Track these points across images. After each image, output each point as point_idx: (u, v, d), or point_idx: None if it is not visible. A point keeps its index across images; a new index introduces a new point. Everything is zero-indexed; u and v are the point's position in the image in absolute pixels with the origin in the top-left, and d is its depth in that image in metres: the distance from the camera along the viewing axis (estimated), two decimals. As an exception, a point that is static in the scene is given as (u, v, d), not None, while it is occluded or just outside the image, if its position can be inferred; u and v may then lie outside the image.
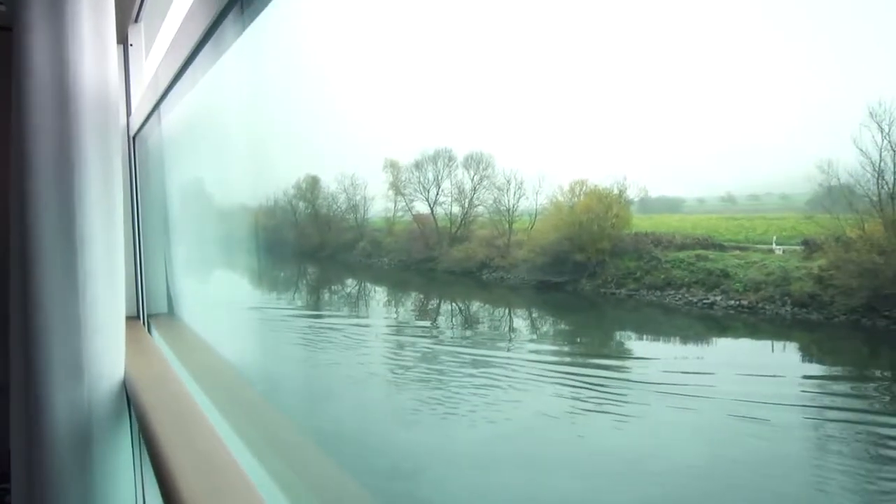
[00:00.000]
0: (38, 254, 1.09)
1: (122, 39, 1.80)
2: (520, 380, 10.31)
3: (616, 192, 14.72)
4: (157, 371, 1.16)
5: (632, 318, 12.77)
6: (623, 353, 11.62)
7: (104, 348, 1.14)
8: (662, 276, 12.96)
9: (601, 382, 9.92)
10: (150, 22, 1.91)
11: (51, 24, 1.10)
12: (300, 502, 0.74)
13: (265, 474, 0.81)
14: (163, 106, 1.43)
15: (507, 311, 14.71)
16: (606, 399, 9.37)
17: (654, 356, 10.89)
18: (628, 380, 10.06)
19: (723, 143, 15.29)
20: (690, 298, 12.38)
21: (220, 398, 1.01)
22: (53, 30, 1.10)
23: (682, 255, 13.11)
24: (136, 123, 1.73)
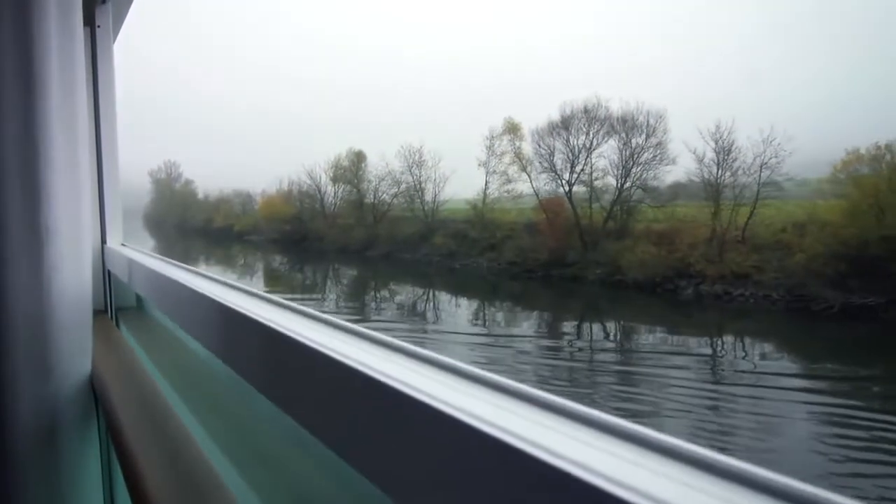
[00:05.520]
0: None
1: (90, 21, 1.73)
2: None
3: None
4: (127, 368, 1.14)
5: None
6: None
7: (70, 345, 1.11)
8: None
9: None
10: (118, 2, 1.83)
11: (14, 2, 1.05)
12: (272, 501, 0.74)
13: (237, 473, 0.80)
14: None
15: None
16: None
17: None
18: None
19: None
20: None
21: (192, 396, 0.99)
22: (16, 7, 1.05)
23: None
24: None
